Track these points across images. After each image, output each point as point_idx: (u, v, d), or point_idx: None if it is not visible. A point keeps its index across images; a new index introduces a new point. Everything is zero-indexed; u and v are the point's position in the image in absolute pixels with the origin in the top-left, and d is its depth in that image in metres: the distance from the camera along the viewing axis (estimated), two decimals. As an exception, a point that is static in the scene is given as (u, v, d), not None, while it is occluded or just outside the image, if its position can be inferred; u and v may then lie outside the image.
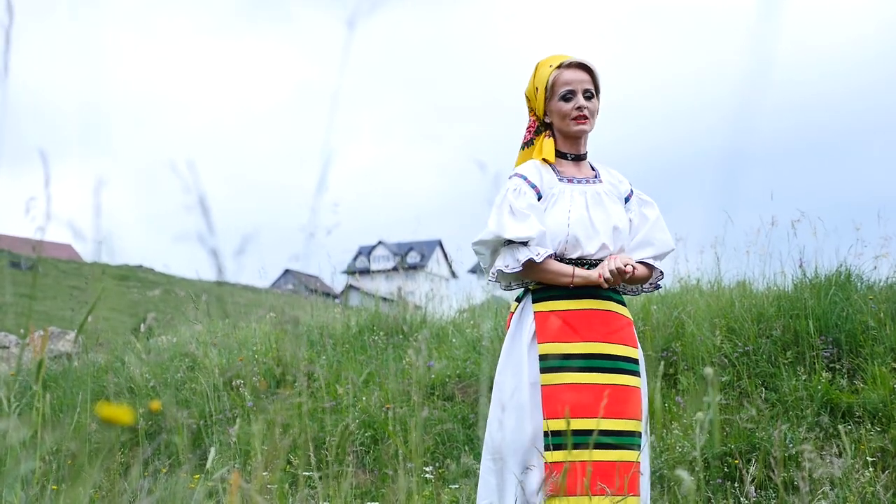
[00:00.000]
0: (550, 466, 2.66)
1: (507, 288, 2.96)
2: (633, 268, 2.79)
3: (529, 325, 2.82)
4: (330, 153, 1.39)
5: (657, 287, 3.03)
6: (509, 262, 2.82)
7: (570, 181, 2.92)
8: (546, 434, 2.70)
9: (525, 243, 2.81)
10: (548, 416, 2.71)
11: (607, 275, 2.74)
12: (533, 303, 2.84)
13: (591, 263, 2.84)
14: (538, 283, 2.86)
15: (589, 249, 2.83)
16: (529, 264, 2.79)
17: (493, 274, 2.87)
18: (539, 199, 2.86)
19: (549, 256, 2.81)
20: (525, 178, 2.88)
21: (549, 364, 2.74)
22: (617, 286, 2.88)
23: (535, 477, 2.71)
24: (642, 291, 3.05)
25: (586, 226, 2.83)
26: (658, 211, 3.00)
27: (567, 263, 2.82)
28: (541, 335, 2.78)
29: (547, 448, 2.69)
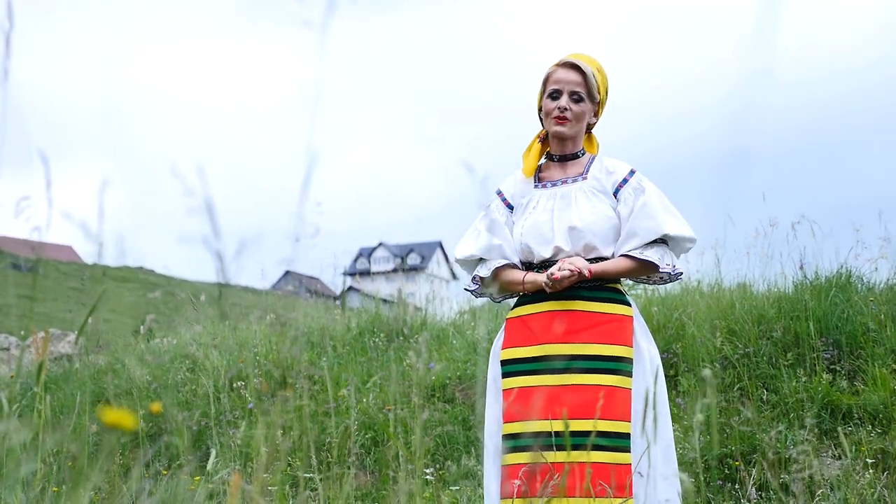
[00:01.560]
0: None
1: (500, 300, 3.05)
2: (576, 270, 2.71)
3: (500, 333, 2.92)
4: (313, 157, 1.39)
5: (674, 277, 2.87)
6: (469, 280, 2.99)
7: (544, 186, 2.93)
8: (507, 437, 2.75)
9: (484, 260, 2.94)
10: (505, 419, 2.77)
11: (545, 279, 2.75)
12: (509, 311, 2.93)
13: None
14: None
15: (544, 254, 2.83)
16: (484, 280, 2.91)
17: (474, 294, 3.02)
18: (512, 210, 2.96)
19: (507, 267, 2.88)
20: (499, 194, 2.99)
21: (505, 369, 2.81)
22: (602, 282, 2.85)
23: (493, 481, 2.75)
24: (662, 282, 2.93)
25: (539, 232, 2.84)
26: (649, 197, 2.84)
27: (534, 269, 2.86)
28: (505, 341, 2.86)
29: (511, 450, 2.72)
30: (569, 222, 2.82)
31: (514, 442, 2.71)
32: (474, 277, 2.95)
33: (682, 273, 2.90)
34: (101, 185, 1.37)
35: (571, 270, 2.72)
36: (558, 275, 2.71)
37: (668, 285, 6.65)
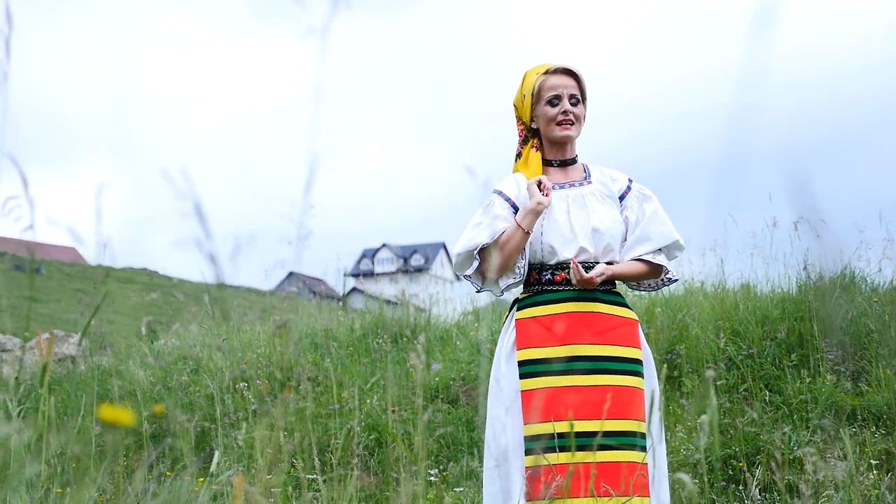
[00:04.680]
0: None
1: (501, 293, 3.00)
2: (607, 271, 2.78)
3: (510, 333, 2.87)
4: (315, 161, 1.39)
5: (671, 281, 2.98)
6: (468, 270, 2.92)
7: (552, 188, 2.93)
8: (528, 438, 2.72)
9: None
10: (526, 420, 2.73)
11: (577, 270, 2.73)
12: (516, 311, 2.88)
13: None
14: (524, 291, 2.91)
15: (567, 254, 2.83)
16: (480, 254, 2.85)
17: (475, 284, 2.97)
18: (517, 211, 2.89)
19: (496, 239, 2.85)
20: (500, 193, 2.95)
21: (526, 370, 2.78)
22: (610, 285, 2.87)
23: (516, 482, 2.73)
24: (653, 288, 3.01)
25: (562, 232, 2.84)
26: (657, 204, 2.96)
27: (547, 271, 2.85)
28: (520, 342, 2.82)
29: (528, 452, 2.70)
30: (591, 224, 2.85)
31: (549, 442, 2.67)
32: (472, 253, 2.87)
33: (675, 280, 3.02)
34: (98, 188, 1.37)
35: (603, 272, 2.77)
36: (598, 279, 2.75)
37: (672, 286, 6.64)
